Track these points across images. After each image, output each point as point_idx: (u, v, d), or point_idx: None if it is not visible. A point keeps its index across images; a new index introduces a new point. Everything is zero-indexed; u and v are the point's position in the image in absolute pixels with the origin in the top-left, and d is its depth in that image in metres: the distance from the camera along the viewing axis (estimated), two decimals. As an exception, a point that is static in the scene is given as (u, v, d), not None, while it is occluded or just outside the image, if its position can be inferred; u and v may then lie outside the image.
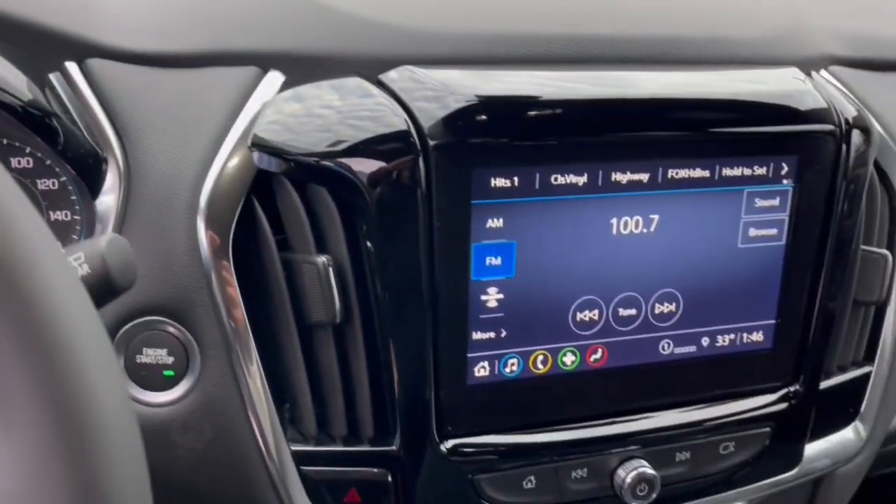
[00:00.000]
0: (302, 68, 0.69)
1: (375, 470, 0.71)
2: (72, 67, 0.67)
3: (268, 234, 0.67)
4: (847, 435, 0.89)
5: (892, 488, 1.37)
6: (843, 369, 0.88)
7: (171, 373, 0.67)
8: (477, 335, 0.70)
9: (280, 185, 0.66)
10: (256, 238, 0.67)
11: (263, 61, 0.69)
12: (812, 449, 0.87)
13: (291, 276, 0.67)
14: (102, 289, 0.49)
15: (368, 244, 0.66)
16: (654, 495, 0.76)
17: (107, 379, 0.36)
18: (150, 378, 0.67)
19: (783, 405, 0.82)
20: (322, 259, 0.66)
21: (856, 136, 0.77)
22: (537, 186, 0.68)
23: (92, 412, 0.34)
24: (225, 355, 0.66)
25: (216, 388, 0.67)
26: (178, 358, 0.67)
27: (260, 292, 0.68)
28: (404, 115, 0.65)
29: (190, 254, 0.65)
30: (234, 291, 0.66)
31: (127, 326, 0.66)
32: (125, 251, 0.50)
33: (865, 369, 0.89)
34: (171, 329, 0.66)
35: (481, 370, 0.71)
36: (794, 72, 0.79)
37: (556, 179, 0.68)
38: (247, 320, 0.66)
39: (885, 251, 0.84)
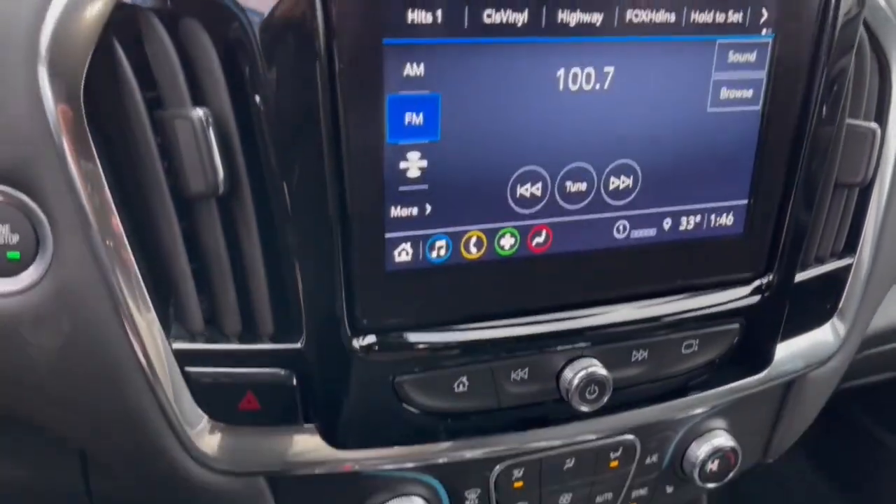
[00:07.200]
0: None
1: (277, 371, 0.61)
2: None
3: (131, 84, 0.54)
4: (823, 334, 0.82)
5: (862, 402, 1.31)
6: (821, 260, 0.80)
7: (16, 255, 0.56)
8: (396, 211, 0.59)
9: (146, 21, 0.54)
10: (118, 89, 0.54)
11: None
12: (784, 349, 0.79)
13: (165, 136, 0.55)
14: None
15: (256, 96, 0.54)
16: (604, 399, 0.68)
17: None
18: None
19: (754, 299, 0.73)
20: (199, 113, 0.54)
21: (846, -16, 0.66)
22: (466, 25, 0.56)
23: None
24: (82, 232, 0.55)
25: (73, 272, 0.55)
26: (24, 236, 0.55)
27: (125, 156, 0.56)
28: None
29: (32, 109, 0.53)
30: (91, 154, 0.54)
31: None
32: None
33: (846, 261, 0.81)
34: (15, 200, 0.54)
35: (402, 254, 0.60)
36: None
37: (489, 17, 0.56)
38: (108, 189, 0.55)
39: (873, 125, 0.75)
